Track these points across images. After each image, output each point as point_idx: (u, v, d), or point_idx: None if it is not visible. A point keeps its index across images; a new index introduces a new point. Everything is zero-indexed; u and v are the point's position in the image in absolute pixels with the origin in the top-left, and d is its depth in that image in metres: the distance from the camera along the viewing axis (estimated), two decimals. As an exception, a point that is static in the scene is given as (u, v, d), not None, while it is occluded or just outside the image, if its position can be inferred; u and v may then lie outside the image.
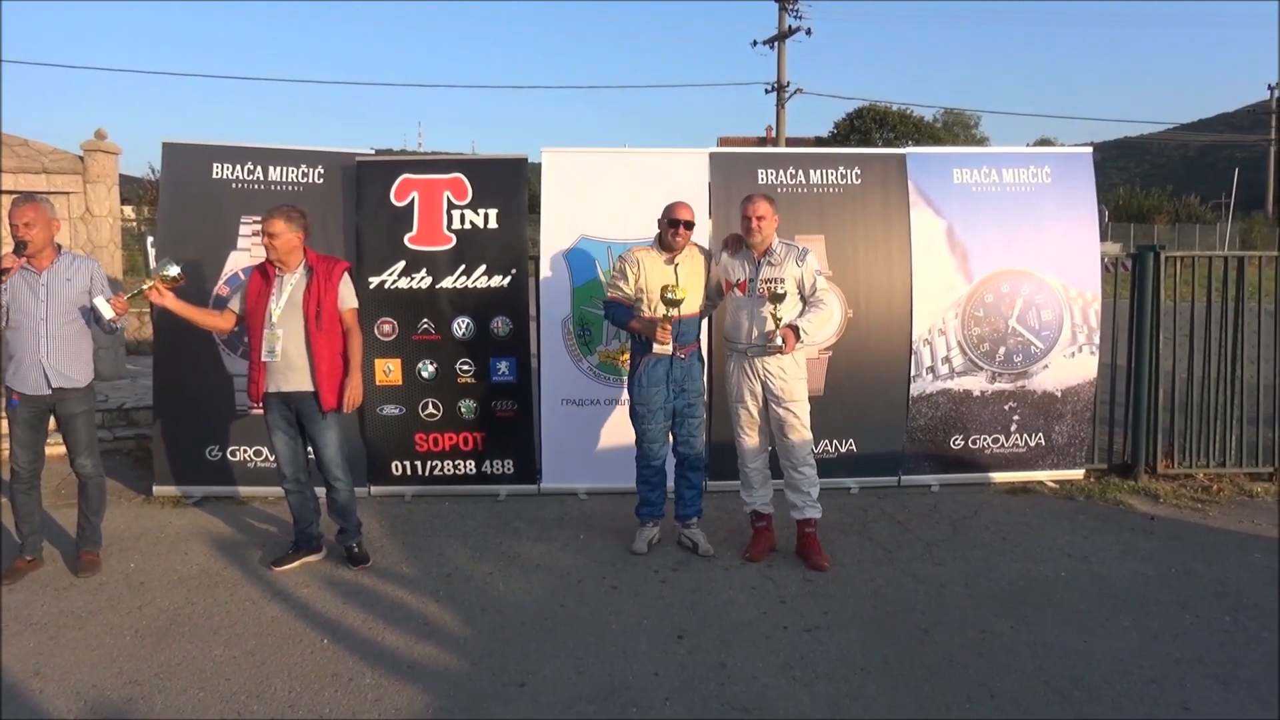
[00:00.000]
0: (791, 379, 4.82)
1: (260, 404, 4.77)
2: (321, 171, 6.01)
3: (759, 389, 4.86)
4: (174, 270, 4.58)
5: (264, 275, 4.69)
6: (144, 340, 6.33)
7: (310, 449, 4.84)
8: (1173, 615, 4.23)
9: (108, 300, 4.49)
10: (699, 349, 5.10)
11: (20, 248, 4.41)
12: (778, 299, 4.64)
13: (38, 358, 4.49)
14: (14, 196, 4.70)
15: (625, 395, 5.44)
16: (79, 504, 4.82)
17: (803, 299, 4.83)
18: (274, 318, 4.59)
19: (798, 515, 4.90)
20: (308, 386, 4.64)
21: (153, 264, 6.65)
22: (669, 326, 4.71)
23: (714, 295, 5.12)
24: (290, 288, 4.63)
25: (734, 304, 4.92)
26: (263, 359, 4.61)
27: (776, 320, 4.66)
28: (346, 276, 4.77)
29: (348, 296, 4.73)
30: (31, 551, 4.78)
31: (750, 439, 4.99)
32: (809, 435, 4.88)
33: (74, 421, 4.65)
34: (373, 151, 6.41)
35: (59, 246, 4.64)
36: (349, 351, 4.72)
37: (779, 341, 4.62)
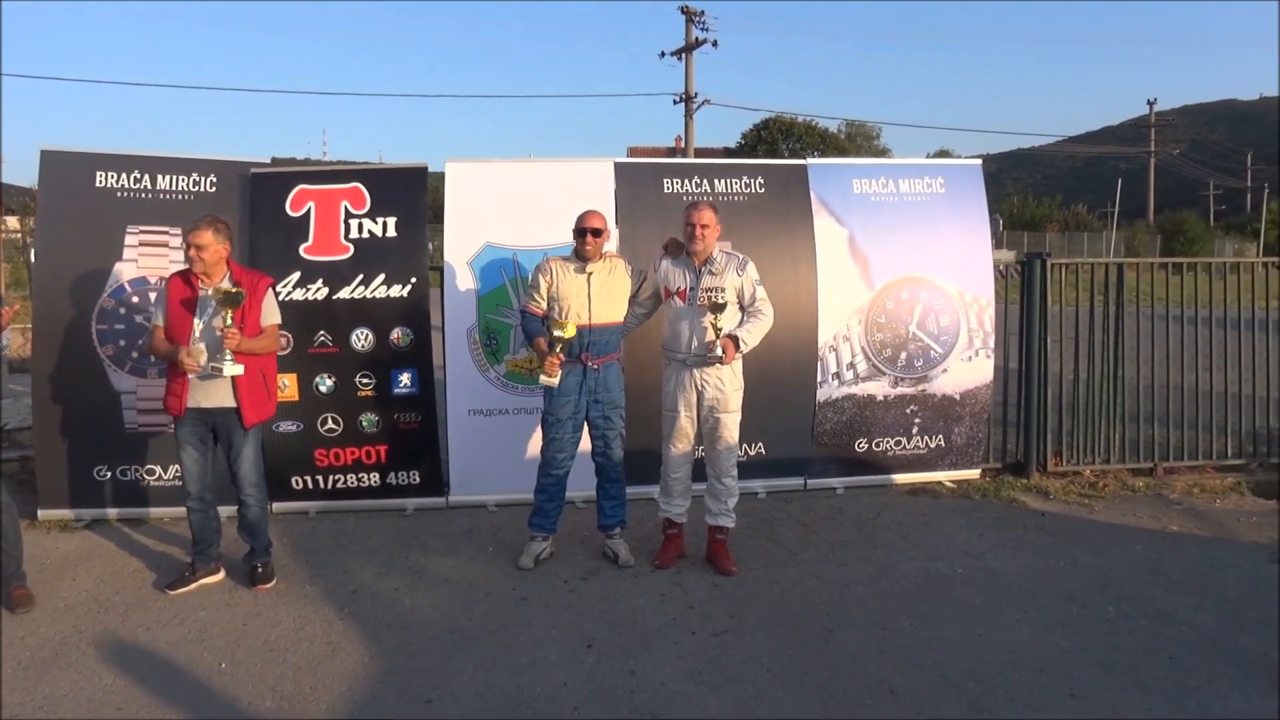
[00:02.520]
0: (729, 390, 4.82)
1: (176, 418, 4.61)
2: (214, 180, 5.82)
3: (694, 399, 4.84)
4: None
5: (187, 285, 4.54)
6: (26, 358, 6.04)
7: (230, 465, 4.68)
8: (1061, 607, 4.42)
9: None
10: (619, 360, 5.04)
11: None
12: (718, 309, 4.63)
13: None
14: None
15: (536, 405, 5.41)
16: None
17: (742, 308, 4.83)
18: (198, 333, 4.48)
19: (712, 521, 4.94)
20: (230, 403, 4.54)
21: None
22: (556, 361, 4.72)
23: (649, 303, 5.11)
24: (214, 304, 4.48)
25: (673, 312, 4.89)
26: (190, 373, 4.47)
27: (717, 330, 4.65)
28: (270, 292, 4.71)
29: (270, 312, 4.67)
30: None
31: (680, 448, 4.95)
32: (736, 445, 4.93)
33: None
34: (270, 160, 6.24)
35: None
36: (251, 345, 4.52)
37: (719, 352, 4.62)
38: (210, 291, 4.47)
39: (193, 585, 4.67)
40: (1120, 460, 6.71)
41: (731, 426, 4.86)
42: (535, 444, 5.25)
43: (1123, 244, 40.42)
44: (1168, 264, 7.39)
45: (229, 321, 4.39)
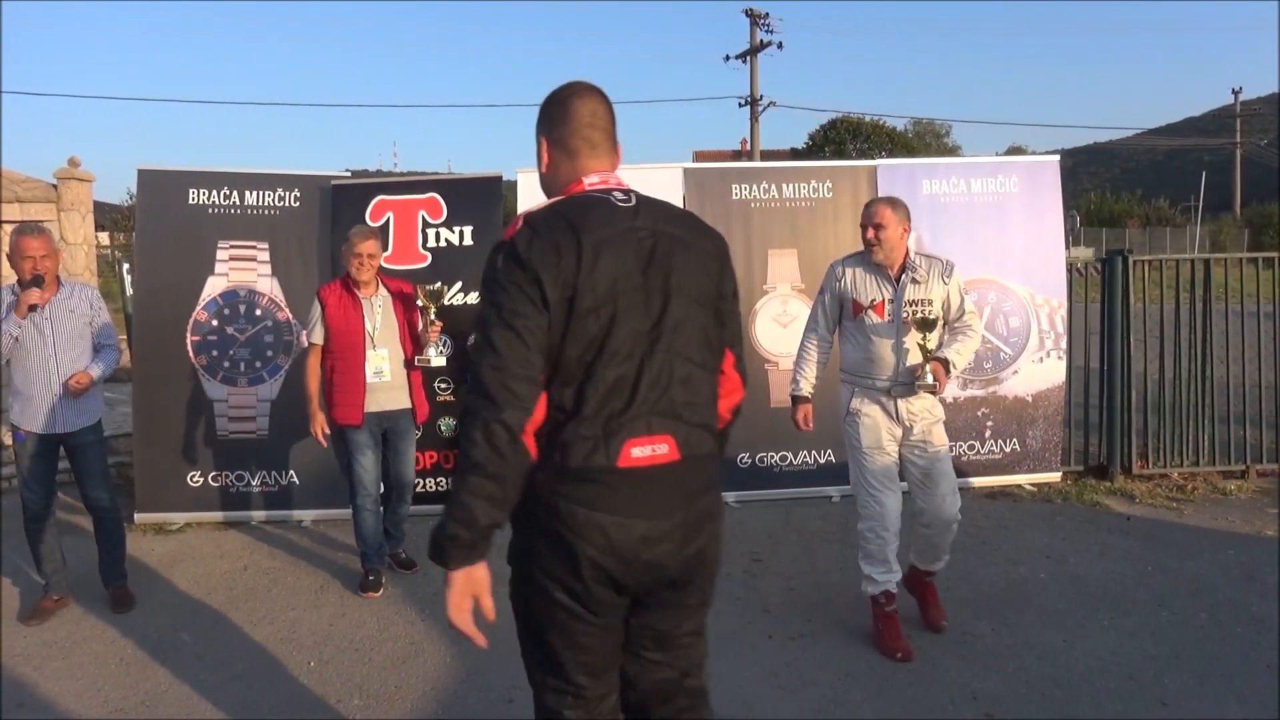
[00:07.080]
0: (938, 422, 4.00)
1: (354, 428, 4.72)
2: (298, 195, 6.03)
3: (900, 434, 4.00)
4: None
5: (348, 293, 4.72)
6: (122, 367, 6.30)
7: (396, 465, 4.97)
8: (1150, 613, 4.30)
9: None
10: None
11: (39, 281, 4.25)
12: (928, 326, 3.82)
13: (49, 394, 4.34)
14: (15, 226, 4.61)
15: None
16: (97, 540, 4.68)
17: (945, 322, 4.00)
18: (375, 340, 4.71)
19: (924, 566, 4.21)
20: (406, 404, 4.85)
21: (129, 290, 6.64)
22: None
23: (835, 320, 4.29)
24: (380, 310, 4.76)
25: (865, 329, 3.96)
26: (370, 380, 4.69)
27: (926, 352, 3.83)
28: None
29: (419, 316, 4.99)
30: (58, 590, 4.63)
31: (893, 497, 4.00)
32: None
33: (87, 452, 4.49)
34: (348, 173, 6.43)
35: (58, 277, 4.51)
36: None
37: (929, 379, 3.80)
38: (418, 291, 4.81)
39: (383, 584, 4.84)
40: (1210, 462, 6.49)
41: (949, 463, 4.04)
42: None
43: (1208, 239, 39.00)
44: (1257, 259, 7.15)
45: (433, 318, 4.76)
